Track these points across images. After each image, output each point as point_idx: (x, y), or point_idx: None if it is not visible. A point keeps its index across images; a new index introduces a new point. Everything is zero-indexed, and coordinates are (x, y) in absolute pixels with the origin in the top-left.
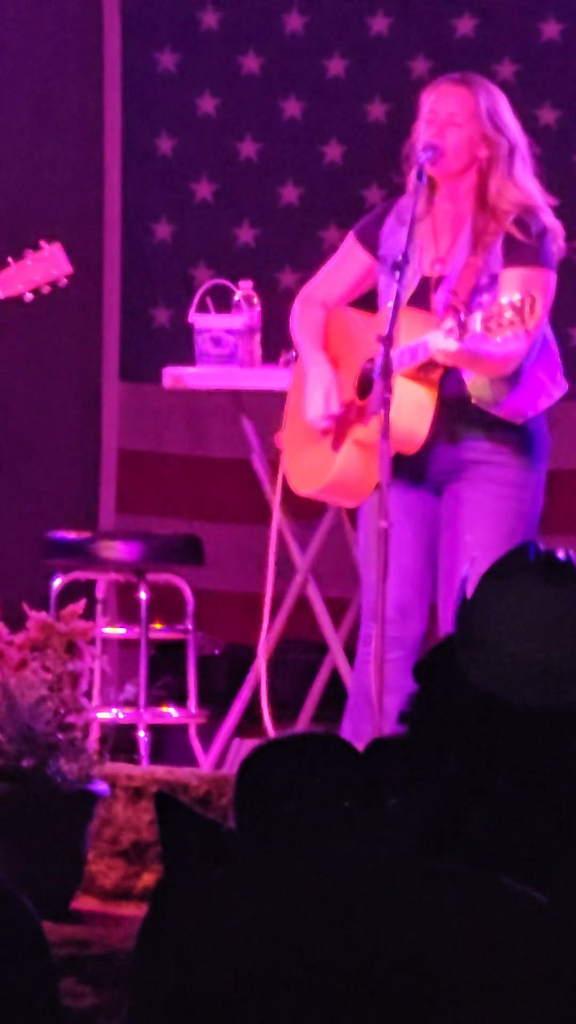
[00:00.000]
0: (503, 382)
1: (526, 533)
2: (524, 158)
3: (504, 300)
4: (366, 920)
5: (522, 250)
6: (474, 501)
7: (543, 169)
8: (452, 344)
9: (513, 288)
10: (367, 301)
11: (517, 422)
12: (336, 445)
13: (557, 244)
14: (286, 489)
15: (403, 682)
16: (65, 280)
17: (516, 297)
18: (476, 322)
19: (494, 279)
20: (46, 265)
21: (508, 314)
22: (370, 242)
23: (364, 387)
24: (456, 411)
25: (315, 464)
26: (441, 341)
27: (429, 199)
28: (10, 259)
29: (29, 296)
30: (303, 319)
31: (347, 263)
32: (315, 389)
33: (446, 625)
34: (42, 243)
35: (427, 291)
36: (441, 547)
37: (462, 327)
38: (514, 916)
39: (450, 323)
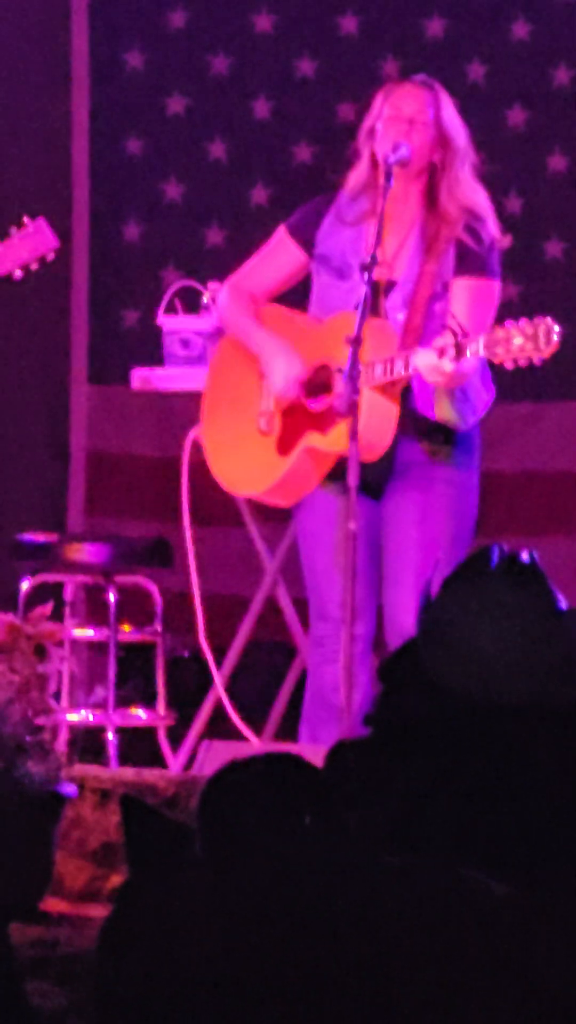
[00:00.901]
0: (463, 402)
1: (468, 530)
2: (473, 163)
3: (511, 325)
4: (327, 918)
5: (474, 260)
6: (419, 502)
7: (512, 171)
8: (448, 366)
9: (470, 299)
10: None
11: (461, 428)
12: (284, 449)
13: (502, 253)
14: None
15: (361, 678)
16: (53, 255)
17: (524, 324)
18: (479, 346)
19: (446, 287)
20: (32, 241)
21: (518, 340)
22: (305, 239)
23: (314, 389)
24: (408, 419)
25: (256, 464)
26: (436, 363)
27: (374, 200)
28: None
29: (19, 274)
30: (237, 304)
31: (278, 258)
32: (276, 361)
33: (394, 623)
34: (25, 219)
35: (377, 296)
36: (386, 547)
37: (459, 349)
38: (473, 907)
39: (444, 342)
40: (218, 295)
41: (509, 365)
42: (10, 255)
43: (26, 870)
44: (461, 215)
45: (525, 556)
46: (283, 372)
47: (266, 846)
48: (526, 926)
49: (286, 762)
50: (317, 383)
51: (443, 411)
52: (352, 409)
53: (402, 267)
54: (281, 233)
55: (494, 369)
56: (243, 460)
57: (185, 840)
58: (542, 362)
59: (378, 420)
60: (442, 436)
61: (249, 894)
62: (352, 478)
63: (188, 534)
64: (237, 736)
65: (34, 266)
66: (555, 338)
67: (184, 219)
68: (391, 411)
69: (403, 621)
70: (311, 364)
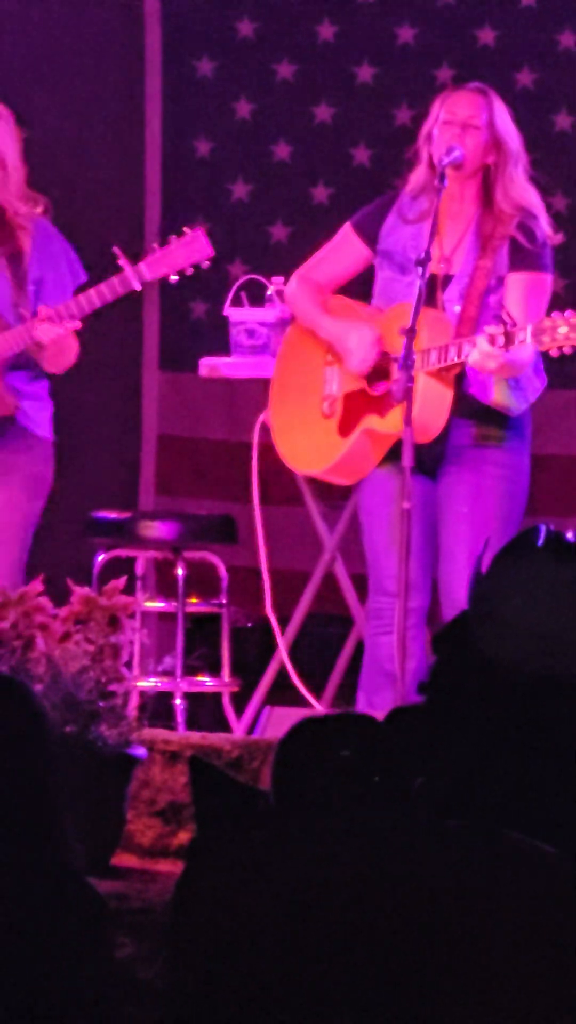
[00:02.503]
0: (515, 389)
1: (518, 510)
2: (525, 166)
3: (556, 315)
4: (387, 877)
5: (528, 256)
6: (477, 482)
7: (556, 169)
8: (498, 354)
9: (524, 293)
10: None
11: (514, 414)
12: (344, 430)
13: (553, 248)
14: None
15: (415, 649)
16: (207, 263)
17: (569, 313)
18: (527, 334)
19: (500, 281)
20: (189, 249)
21: (563, 329)
22: (369, 235)
23: (375, 376)
24: (462, 404)
25: (318, 445)
26: (488, 350)
27: (432, 199)
28: (155, 244)
29: (174, 278)
30: (306, 293)
31: (344, 252)
32: (350, 339)
33: (448, 596)
34: (185, 229)
35: (435, 289)
36: (441, 525)
37: (508, 337)
38: (522, 866)
39: (494, 331)
40: (287, 286)
41: (555, 353)
42: (168, 260)
43: (99, 827)
44: (515, 213)
45: (571, 535)
46: (358, 342)
47: (336, 804)
48: (572, 883)
49: (357, 722)
50: (377, 369)
51: (498, 396)
52: (407, 395)
53: (459, 262)
54: (347, 229)
55: (546, 358)
56: (307, 441)
57: (249, 800)
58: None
59: (432, 404)
60: (494, 420)
61: (314, 853)
62: (407, 459)
63: (257, 512)
64: (297, 702)
65: (189, 271)
66: None
67: (250, 217)
68: (445, 396)
69: (456, 595)
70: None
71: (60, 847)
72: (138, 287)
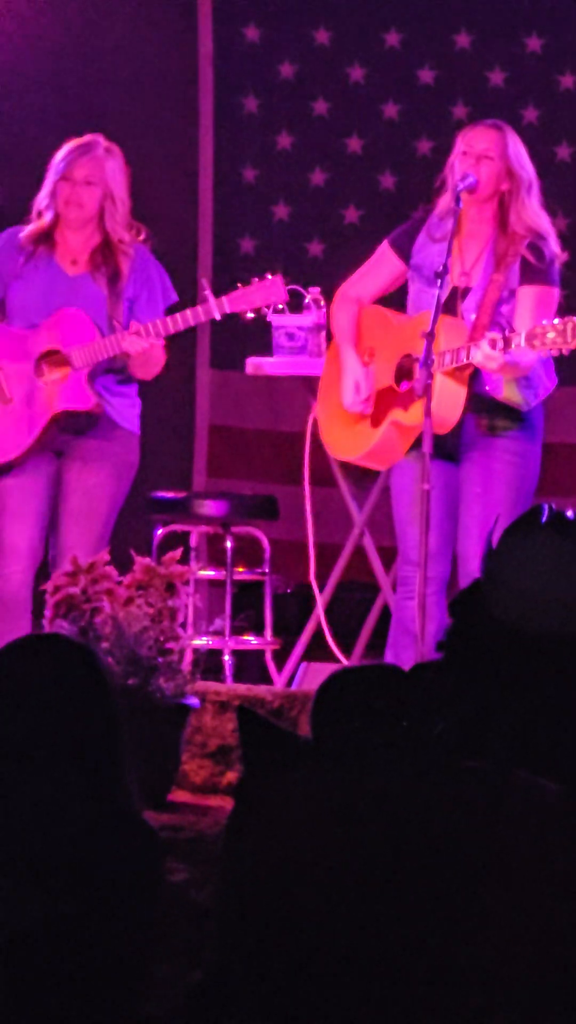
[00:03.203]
0: (524, 386)
1: (529, 492)
2: (537, 193)
3: (545, 323)
4: (410, 811)
5: (537, 273)
6: (489, 467)
7: (558, 194)
8: (498, 356)
9: (533, 304)
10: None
11: (524, 409)
12: (375, 422)
13: (561, 265)
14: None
15: (435, 612)
16: (281, 306)
17: (556, 322)
18: (521, 339)
19: (512, 293)
20: (267, 292)
21: (551, 334)
22: (404, 251)
23: (401, 375)
24: (477, 400)
25: (354, 435)
26: (489, 352)
27: (458, 221)
28: (240, 283)
29: (250, 315)
30: (340, 315)
31: (381, 267)
32: (348, 381)
33: (464, 567)
34: (267, 274)
35: (455, 299)
36: (462, 504)
37: (507, 342)
38: (531, 801)
39: (493, 336)
40: (332, 303)
41: (544, 354)
42: (248, 298)
43: (157, 768)
44: (526, 235)
45: (570, 513)
46: (349, 397)
47: (367, 745)
48: (572, 814)
49: (385, 671)
50: (404, 369)
51: (508, 393)
52: (426, 391)
53: (476, 276)
54: (385, 246)
55: (561, 360)
56: (345, 432)
57: (289, 744)
58: (569, 352)
59: (449, 399)
60: (506, 414)
61: (348, 791)
62: (427, 447)
63: (307, 492)
64: (331, 658)
65: (264, 311)
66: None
67: (290, 235)
68: (460, 392)
69: (470, 566)
70: (399, 353)
71: (120, 788)
72: (218, 317)
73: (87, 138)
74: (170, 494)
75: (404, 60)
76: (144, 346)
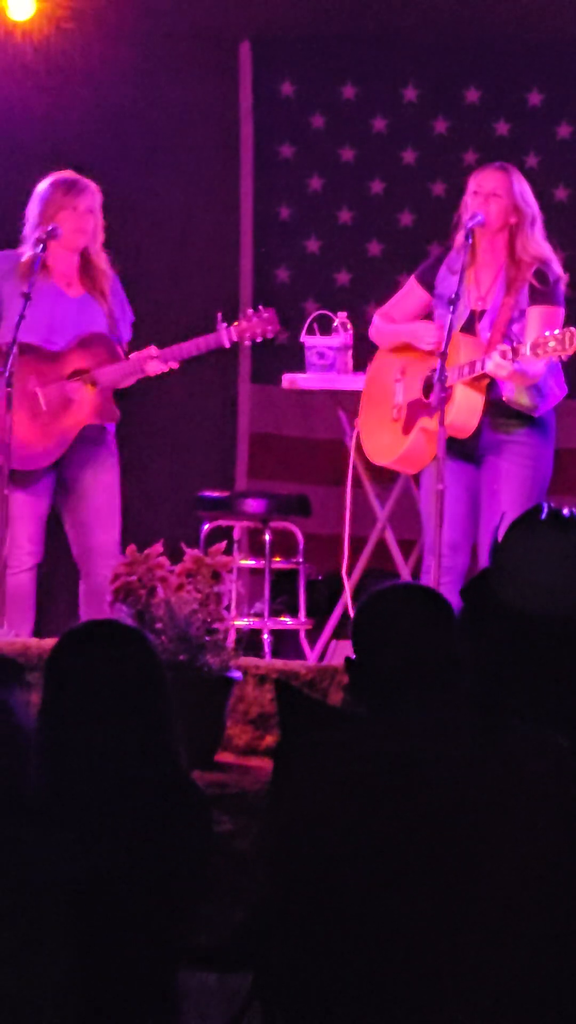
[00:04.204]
0: (535, 392)
1: (541, 491)
2: (540, 226)
3: (547, 334)
4: (440, 767)
5: (543, 294)
6: (504, 469)
7: (556, 231)
8: (508, 364)
9: (540, 321)
10: None
11: (535, 415)
12: (406, 430)
13: (565, 285)
14: (367, 459)
15: (453, 600)
16: (272, 334)
17: (556, 332)
18: (527, 348)
19: (523, 313)
20: (263, 323)
21: (552, 344)
22: (428, 283)
23: (428, 389)
24: (494, 407)
25: (389, 442)
26: (500, 361)
27: (473, 253)
28: (241, 316)
29: (248, 343)
30: (383, 326)
31: (410, 298)
32: (419, 329)
33: (483, 559)
34: (260, 307)
35: (473, 321)
36: (482, 502)
37: (515, 352)
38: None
39: (503, 347)
40: (371, 327)
41: (545, 360)
42: (249, 329)
43: (205, 732)
44: (532, 262)
45: (567, 511)
46: (424, 328)
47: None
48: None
49: (424, 590)
50: (430, 383)
51: (520, 399)
52: (440, 403)
53: (491, 300)
54: (412, 281)
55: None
56: (382, 439)
57: (320, 711)
58: (568, 358)
59: (468, 407)
60: (520, 419)
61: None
62: (440, 451)
63: (348, 493)
64: None
65: (259, 339)
66: (568, 340)
67: (320, 266)
68: (478, 400)
69: (483, 557)
70: (426, 370)
71: (169, 750)
72: (227, 345)
73: (71, 174)
74: (215, 493)
75: (420, 112)
76: (163, 369)
